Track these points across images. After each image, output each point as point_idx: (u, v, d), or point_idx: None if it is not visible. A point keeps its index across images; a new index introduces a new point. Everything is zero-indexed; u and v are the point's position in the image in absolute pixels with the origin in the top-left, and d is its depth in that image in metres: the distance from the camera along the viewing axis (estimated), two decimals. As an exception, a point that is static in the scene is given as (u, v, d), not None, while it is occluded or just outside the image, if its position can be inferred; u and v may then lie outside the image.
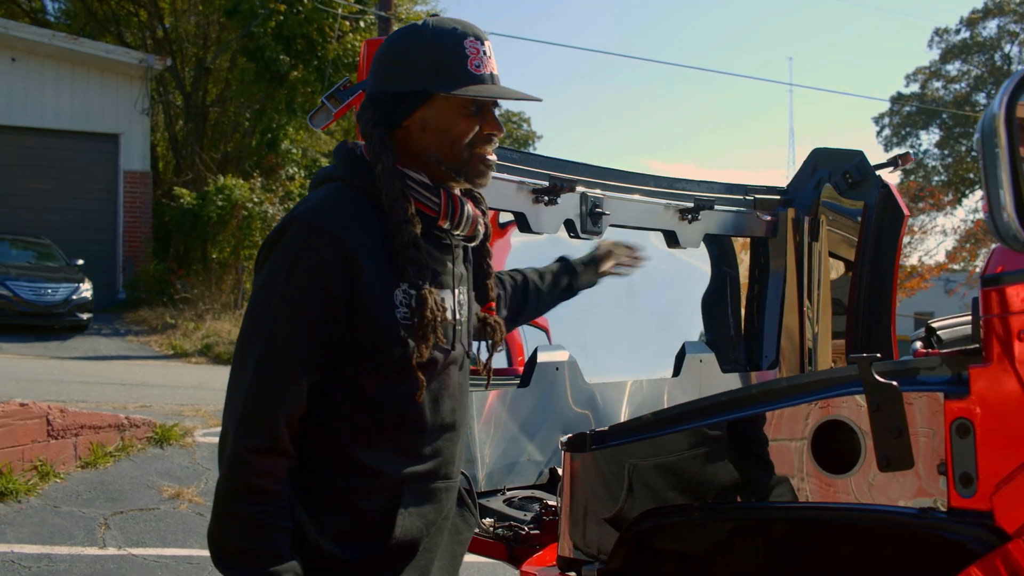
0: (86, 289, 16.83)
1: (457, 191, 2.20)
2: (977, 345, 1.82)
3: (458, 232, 2.18)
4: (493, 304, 2.39)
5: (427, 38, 2.13)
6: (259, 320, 2.01)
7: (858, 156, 4.26)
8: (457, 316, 2.20)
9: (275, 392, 1.96)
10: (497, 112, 2.21)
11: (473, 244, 2.29)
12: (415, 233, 2.04)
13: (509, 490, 3.44)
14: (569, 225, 3.74)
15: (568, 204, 3.69)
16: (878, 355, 1.88)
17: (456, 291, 2.21)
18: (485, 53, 2.12)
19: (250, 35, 21.67)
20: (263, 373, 1.96)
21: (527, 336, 4.04)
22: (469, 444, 3.35)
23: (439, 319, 2.05)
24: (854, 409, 1.94)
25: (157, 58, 21.78)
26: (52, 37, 20.50)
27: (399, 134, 2.14)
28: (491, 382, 2.44)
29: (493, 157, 2.19)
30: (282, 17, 21.52)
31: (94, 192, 20.57)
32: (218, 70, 25.66)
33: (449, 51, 2.10)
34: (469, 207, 2.18)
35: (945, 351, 1.92)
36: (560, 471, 2.51)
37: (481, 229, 2.24)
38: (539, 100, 2.25)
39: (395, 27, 20.41)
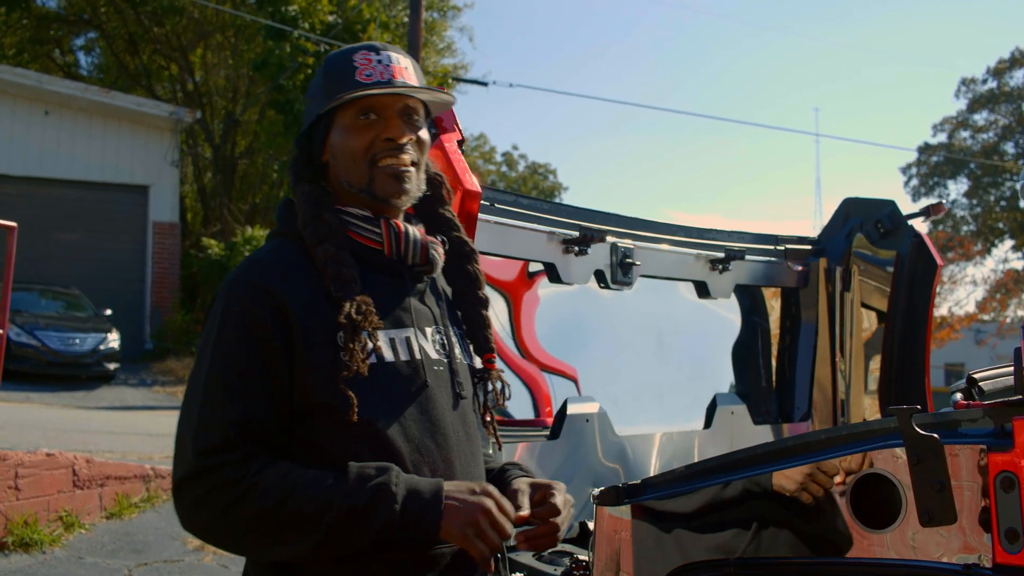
0: (113, 339, 16.90)
1: (400, 219, 2.11)
2: (1020, 396, 1.77)
3: (411, 262, 2.08)
4: (494, 356, 2.23)
5: (321, 67, 2.13)
6: (202, 379, 1.93)
7: (890, 205, 4.24)
8: (428, 355, 2.05)
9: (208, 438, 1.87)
10: (424, 124, 2.12)
11: (432, 274, 2.15)
12: (331, 251, 1.97)
13: (539, 543, 3.39)
14: (599, 276, 3.72)
15: (598, 254, 3.67)
16: (918, 407, 1.84)
17: (425, 329, 2.08)
18: (382, 61, 2.05)
19: (279, 88, 21.93)
20: (199, 428, 1.88)
21: (555, 386, 4.01)
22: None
23: (367, 326, 1.92)
24: (894, 462, 1.89)
25: (187, 111, 22.07)
26: (84, 90, 20.81)
27: (329, 173, 2.11)
28: (520, 435, 2.35)
29: (406, 167, 2.05)
30: (310, 70, 21.75)
31: (123, 243, 20.74)
32: (247, 122, 25.97)
33: (337, 69, 2.07)
34: (416, 232, 2.09)
35: (987, 402, 1.88)
36: (590, 525, 2.47)
37: (435, 255, 2.12)
38: (449, 99, 2.15)
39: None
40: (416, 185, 2.09)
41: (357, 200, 2.06)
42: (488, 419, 2.24)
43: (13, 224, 6.45)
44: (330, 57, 2.12)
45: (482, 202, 3.07)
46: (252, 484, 1.81)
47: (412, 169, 2.06)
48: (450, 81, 26.07)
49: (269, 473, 1.83)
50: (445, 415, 2.03)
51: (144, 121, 21.07)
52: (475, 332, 2.23)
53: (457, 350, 2.14)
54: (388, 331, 1.99)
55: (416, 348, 2.03)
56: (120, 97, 21.35)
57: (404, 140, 2.04)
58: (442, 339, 2.11)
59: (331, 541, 1.80)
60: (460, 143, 3.04)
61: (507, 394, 2.24)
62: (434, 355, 2.07)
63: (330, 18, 22.46)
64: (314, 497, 1.81)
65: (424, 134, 2.11)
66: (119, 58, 26.94)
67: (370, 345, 1.92)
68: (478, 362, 2.23)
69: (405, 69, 2.07)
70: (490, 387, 2.22)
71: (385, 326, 1.99)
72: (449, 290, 2.26)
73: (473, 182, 2.92)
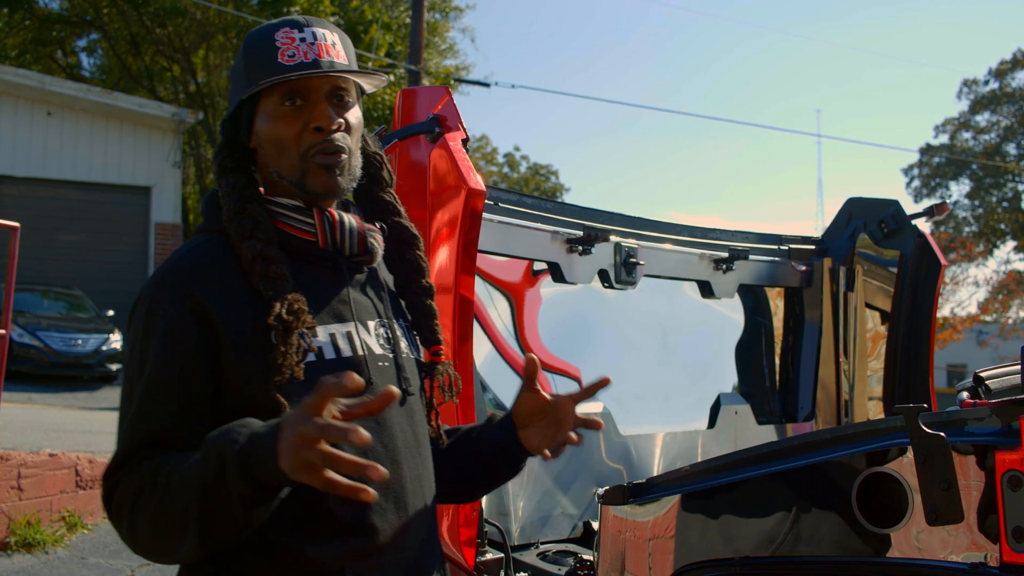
0: (116, 340, 16.87)
1: (334, 206, 1.97)
2: (1028, 395, 1.77)
3: (348, 253, 1.95)
4: (441, 348, 2.11)
5: (242, 47, 1.96)
6: (127, 388, 1.82)
7: (893, 205, 4.24)
8: (371, 350, 1.93)
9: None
10: (352, 103, 1.96)
11: (372, 263, 2.02)
12: (259, 247, 1.82)
13: (543, 543, 3.39)
14: (603, 275, 3.72)
15: (602, 254, 3.67)
16: (924, 405, 1.83)
17: (368, 323, 1.95)
18: (305, 39, 1.89)
19: (281, 89, 21.90)
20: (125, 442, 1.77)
21: (558, 386, 4.00)
22: (502, 496, 3.30)
23: (299, 327, 1.78)
24: (900, 461, 1.89)
25: (189, 112, 22.03)
26: (87, 91, 20.78)
27: (257, 160, 1.98)
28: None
29: (340, 159, 1.90)
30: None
31: (125, 244, 20.72)
32: (249, 124, 25.92)
33: (258, 50, 1.91)
34: (352, 220, 1.95)
35: (994, 401, 1.87)
36: (595, 524, 2.47)
37: (374, 243, 1.99)
38: (380, 79, 1.99)
39: (424, 80, 20.60)
40: (350, 177, 1.94)
41: (288, 190, 1.93)
42: (435, 414, 2.11)
43: (16, 225, 6.45)
44: (250, 36, 1.96)
45: (486, 201, 3.06)
46: (139, 488, 1.67)
47: (344, 160, 1.91)
48: (452, 82, 26.07)
49: (154, 469, 1.68)
50: (391, 413, 1.90)
51: (146, 122, 21.05)
52: (420, 323, 2.11)
53: (403, 343, 2.02)
54: (328, 326, 1.88)
55: (358, 343, 1.90)
56: (122, 98, 21.32)
57: (334, 127, 1.89)
58: (386, 332, 1.99)
59: (212, 524, 1.62)
60: (464, 142, 3.03)
61: (456, 388, 2.13)
62: (378, 350, 1.94)
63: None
64: (182, 482, 1.62)
65: (355, 115, 1.96)
66: (121, 59, 26.94)
67: (304, 346, 1.80)
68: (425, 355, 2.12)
69: (332, 46, 1.91)
70: (440, 381, 2.10)
71: (324, 321, 1.87)
72: (391, 279, 2.13)
73: (477, 181, 2.91)
